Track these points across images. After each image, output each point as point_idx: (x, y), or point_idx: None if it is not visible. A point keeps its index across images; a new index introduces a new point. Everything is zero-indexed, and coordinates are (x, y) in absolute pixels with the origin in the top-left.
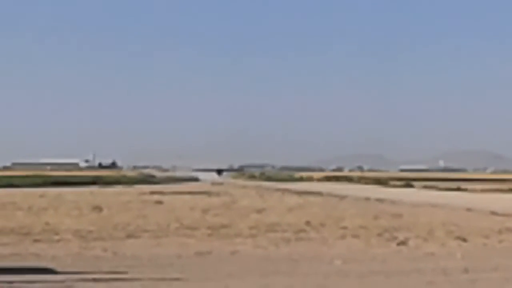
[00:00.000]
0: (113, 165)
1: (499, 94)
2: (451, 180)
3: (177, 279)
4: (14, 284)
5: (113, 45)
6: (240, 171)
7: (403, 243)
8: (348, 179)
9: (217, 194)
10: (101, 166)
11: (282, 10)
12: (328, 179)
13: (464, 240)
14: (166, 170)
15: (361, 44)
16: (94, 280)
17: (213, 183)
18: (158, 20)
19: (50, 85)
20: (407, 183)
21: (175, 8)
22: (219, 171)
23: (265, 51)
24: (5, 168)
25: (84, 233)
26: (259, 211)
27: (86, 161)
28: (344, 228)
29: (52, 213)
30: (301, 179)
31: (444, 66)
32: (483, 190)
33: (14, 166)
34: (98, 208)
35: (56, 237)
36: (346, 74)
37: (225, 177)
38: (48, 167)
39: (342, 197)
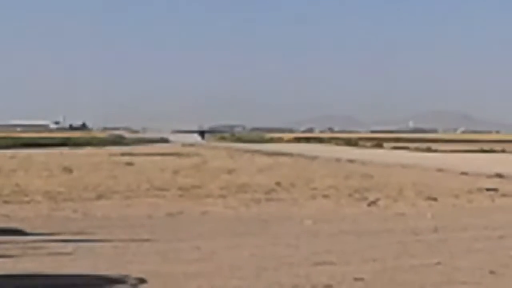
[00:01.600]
0: (83, 127)
1: (468, 55)
2: (422, 140)
3: (147, 240)
4: None
5: (87, 5)
6: (211, 132)
7: (373, 203)
8: (319, 140)
9: (188, 155)
10: (71, 128)
11: None
12: (298, 140)
13: (434, 200)
14: (136, 132)
15: (335, 9)
16: (64, 241)
17: (184, 144)
18: None
19: (20, 45)
20: (378, 143)
21: None
22: (202, 133)
23: (238, 12)
24: None
25: (54, 194)
26: (230, 172)
27: (56, 122)
28: (315, 188)
29: (22, 175)
30: (271, 140)
31: (415, 27)
32: (453, 151)
33: None
34: (68, 170)
35: (26, 199)
36: (316, 37)
37: (208, 138)
38: (18, 129)
39: (313, 158)
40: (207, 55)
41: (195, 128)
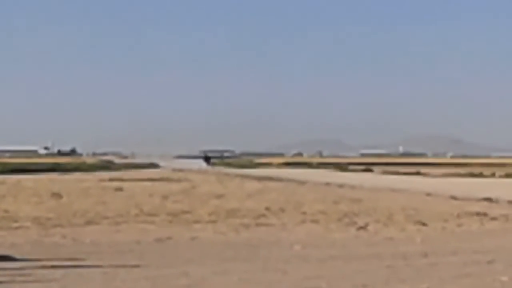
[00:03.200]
0: (72, 152)
1: (458, 80)
2: (411, 164)
3: (136, 266)
4: None
5: (75, 30)
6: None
7: (362, 228)
8: (308, 165)
9: (177, 180)
10: (60, 153)
11: None
12: (287, 164)
13: (424, 224)
14: (125, 157)
15: (322, 32)
16: (53, 267)
17: (173, 170)
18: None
19: (9, 72)
20: (367, 168)
21: None
22: (207, 158)
23: (226, 38)
24: None
25: (43, 220)
26: (219, 197)
27: (46, 148)
28: (304, 213)
29: (11, 201)
30: (260, 165)
31: (402, 54)
32: (442, 175)
33: None
34: (57, 195)
35: (15, 225)
36: (306, 61)
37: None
38: (7, 154)
39: (302, 183)
40: (193, 81)
41: (185, 152)
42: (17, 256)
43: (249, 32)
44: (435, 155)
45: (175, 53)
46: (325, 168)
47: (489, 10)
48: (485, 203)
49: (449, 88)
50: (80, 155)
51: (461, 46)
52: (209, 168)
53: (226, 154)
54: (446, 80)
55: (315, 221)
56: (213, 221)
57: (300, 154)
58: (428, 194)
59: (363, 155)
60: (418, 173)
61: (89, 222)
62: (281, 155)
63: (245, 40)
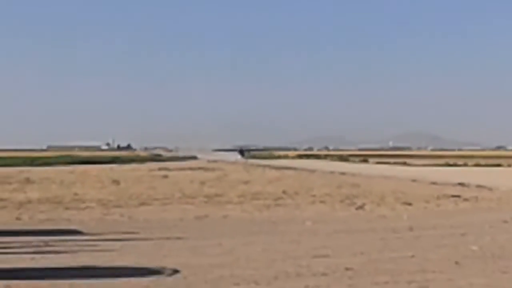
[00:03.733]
0: (128, 147)
1: (437, 83)
2: (399, 156)
3: (180, 238)
4: (50, 243)
5: (122, 36)
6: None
7: (360, 207)
8: (317, 157)
9: (212, 170)
10: (119, 148)
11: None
12: (300, 157)
13: (409, 204)
14: (170, 151)
15: (324, 35)
16: (113, 239)
17: (209, 161)
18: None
19: (76, 81)
20: (364, 159)
21: None
22: (242, 152)
23: (241, 51)
24: (42, 150)
25: (105, 201)
26: (246, 182)
27: (107, 144)
28: (313, 195)
29: (79, 186)
30: (279, 157)
31: (393, 64)
32: (424, 165)
33: (49, 148)
34: (116, 182)
35: (83, 205)
36: (318, 72)
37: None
38: (76, 149)
39: (312, 171)
40: (224, 88)
41: (217, 146)
42: (84, 231)
43: (256, 46)
44: (418, 149)
45: (205, 65)
46: (331, 159)
47: (462, 15)
48: (459, 187)
49: (429, 93)
50: (135, 149)
51: (439, 56)
52: (243, 160)
53: (252, 148)
54: (427, 86)
55: (322, 202)
56: (241, 202)
57: (310, 148)
58: (413, 180)
59: (361, 149)
60: (404, 163)
61: (142, 203)
62: (295, 149)
63: (258, 53)
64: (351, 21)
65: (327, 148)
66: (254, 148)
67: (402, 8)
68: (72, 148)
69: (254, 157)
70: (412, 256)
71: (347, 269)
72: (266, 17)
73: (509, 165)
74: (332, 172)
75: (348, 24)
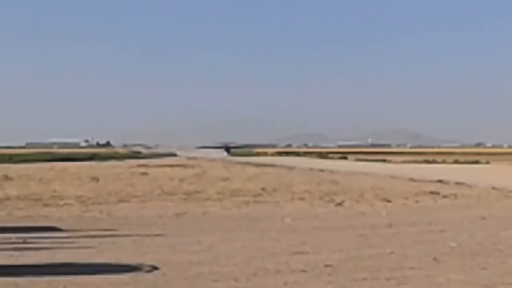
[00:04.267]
0: (107, 144)
1: (417, 82)
2: (378, 153)
3: (159, 235)
4: (28, 240)
5: (101, 34)
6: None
7: (339, 204)
8: (296, 154)
9: (191, 166)
10: (98, 145)
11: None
12: (279, 154)
13: (388, 201)
14: (150, 148)
15: (303, 34)
16: (92, 236)
17: (188, 158)
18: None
19: (54, 79)
20: (343, 156)
21: None
22: (227, 148)
23: (227, 53)
24: (21, 147)
25: (84, 198)
26: (225, 179)
27: (86, 141)
28: (293, 192)
29: (58, 183)
30: (258, 154)
31: (370, 57)
32: (403, 161)
33: (28, 145)
34: (95, 179)
35: (62, 202)
36: (291, 68)
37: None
38: (55, 146)
39: (291, 168)
40: (204, 88)
41: (196, 144)
42: (63, 227)
43: (237, 46)
44: (398, 146)
45: (185, 63)
46: (310, 156)
47: (437, 14)
48: (438, 184)
49: (408, 91)
50: (114, 146)
51: (417, 54)
52: (229, 157)
53: (231, 145)
54: (406, 84)
55: (301, 199)
56: (220, 199)
57: (289, 146)
58: (392, 177)
59: (340, 146)
60: (383, 160)
61: (121, 200)
62: (274, 146)
63: (238, 52)
64: (329, 19)
65: (306, 146)
66: (233, 145)
67: (382, 7)
68: (51, 145)
69: (233, 154)
70: (391, 253)
71: (326, 266)
72: (246, 16)
73: (487, 162)
74: (311, 169)
75: (327, 23)
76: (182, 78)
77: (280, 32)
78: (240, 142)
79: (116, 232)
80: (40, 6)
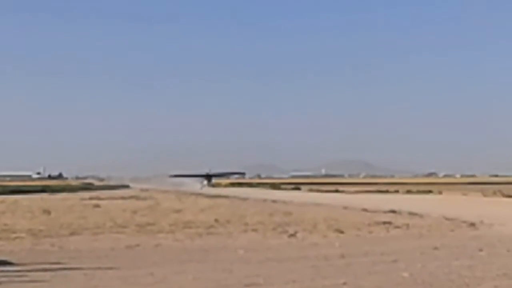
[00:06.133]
0: (60, 176)
1: (370, 112)
2: (331, 184)
3: (111, 268)
4: None
5: (48, 63)
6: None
7: (292, 235)
8: (249, 185)
9: (144, 198)
10: (50, 177)
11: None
12: (233, 184)
13: (341, 232)
14: (102, 180)
15: (252, 67)
16: (44, 269)
17: (141, 190)
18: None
19: (7, 109)
20: (296, 186)
21: None
22: (209, 177)
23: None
24: None
25: (35, 231)
26: (177, 211)
27: (38, 173)
28: (246, 224)
29: (9, 216)
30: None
31: (321, 89)
32: (356, 192)
33: None
34: (47, 211)
35: (13, 235)
36: (243, 96)
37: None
38: (7, 178)
39: (244, 199)
40: (147, 118)
41: (150, 175)
42: (14, 261)
43: (186, 76)
44: (350, 176)
45: (142, 99)
46: (263, 187)
47: (385, 51)
48: (390, 214)
49: (360, 122)
50: (66, 178)
51: (369, 85)
52: (209, 187)
53: (212, 173)
54: (359, 114)
55: (255, 230)
56: (173, 231)
57: (243, 176)
58: (345, 207)
59: (293, 176)
60: (337, 191)
61: (72, 233)
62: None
63: (193, 85)
64: (276, 50)
65: (259, 176)
66: (214, 173)
67: (328, 41)
68: (2, 177)
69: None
70: (344, 284)
71: None
72: (195, 55)
73: (440, 192)
74: (264, 200)
75: (280, 53)
76: (134, 110)
77: (213, 68)
78: (193, 173)
79: (68, 265)
80: None
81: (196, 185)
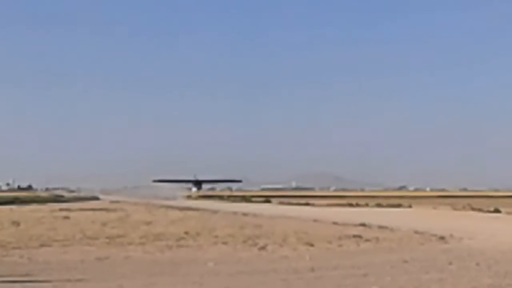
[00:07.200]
0: (29, 188)
1: (340, 126)
2: (301, 197)
3: (80, 280)
4: None
5: (28, 74)
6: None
7: (263, 248)
8: (220, 197)
9: (114, 210)
10: (19, 188)
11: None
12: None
13: (311, 245)
14: (72, 191)
15: (229, 79)
16: (12, 281)
17: (111, 201)
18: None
19: None
20: (266, 199)
21: None
22: (198, 183)
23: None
24: None
25: (4, 243)
26: (148, 223)
27: (7, 184)
28: (216, 236)
29: None
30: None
31: (291, 102)
32: (326, 205)
33: None
34: (16, 223)
35: None
36: (209, 109)
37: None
38: None
39: (215, 212)
40: (117, 130)
41: (120, 187)
42: None
43: (166, 86)
44: (321, 189)
45: (113, 110)
46: (233, 200)
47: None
48: (360, 227)
49: (331, 135)
50: (36, 190)
51: (337, 98)
52: (198, 193)
53: (202, 179)
54: (329, 127)
55: (225, 243)
56: (143, 243)
57: (213, 189)
58: (315, 221)
59: (263, 189)
60: (307, 204)
61: (42, 245)
62: None
63: (162, 96)
64: (244, 61)
65: (229, 189)
66: (205, 179)
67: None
68: None
69: (156, 197)
70: None
71: None
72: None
73: (410, 206)
74: (235, 213)
75: (246, 63)
76: (104, 121)
77: (205, 76)
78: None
79: (37, 277)
80: None
81: (175, 193)
